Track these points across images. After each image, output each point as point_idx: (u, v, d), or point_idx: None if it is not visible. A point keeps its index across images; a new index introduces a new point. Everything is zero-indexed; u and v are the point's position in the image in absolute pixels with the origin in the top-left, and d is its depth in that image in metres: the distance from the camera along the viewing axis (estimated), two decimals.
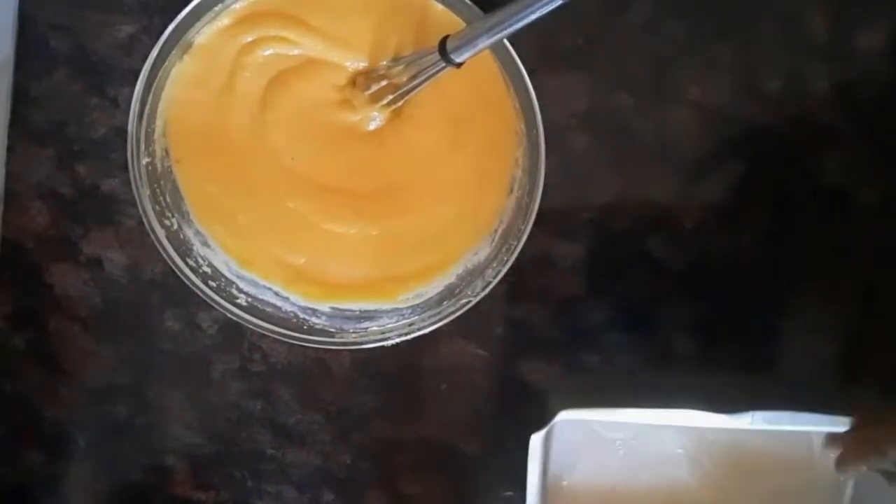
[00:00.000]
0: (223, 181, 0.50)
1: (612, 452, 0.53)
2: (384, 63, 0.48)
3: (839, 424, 0.46)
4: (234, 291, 0.50)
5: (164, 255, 0.49)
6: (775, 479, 0.53)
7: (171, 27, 0.45)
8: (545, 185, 0.46)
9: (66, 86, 0.51)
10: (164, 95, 0.48)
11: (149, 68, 0.46)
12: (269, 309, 0.51)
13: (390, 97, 0.47)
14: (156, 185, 0.49)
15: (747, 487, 0.53)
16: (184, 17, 0.45)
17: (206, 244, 0.50)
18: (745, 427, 0.47)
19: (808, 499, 0.52)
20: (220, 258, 0.51)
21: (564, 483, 0.53)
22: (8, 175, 0.52)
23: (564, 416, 0.47)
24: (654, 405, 0.48)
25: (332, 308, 0.51)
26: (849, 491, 0.52)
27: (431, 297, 0.51)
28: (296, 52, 0.48)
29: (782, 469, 0.52)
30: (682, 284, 0.53)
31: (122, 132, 0.48)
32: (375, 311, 0.51)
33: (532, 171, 0.47)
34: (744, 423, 0.47)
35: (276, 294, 0.51)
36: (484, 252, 0.50)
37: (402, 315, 0.51)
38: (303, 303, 0.51)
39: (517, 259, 0.48)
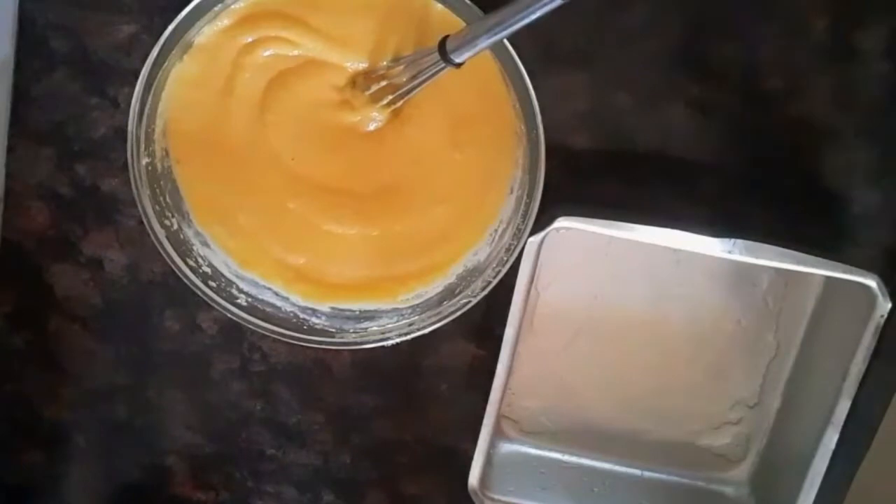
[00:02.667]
0: (223, 181, 0.50)
1: (602, 264, 0.52)
2: (384, 63, 0.48)
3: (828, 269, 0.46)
4: (234, 291, 0.51)
5: (164, 255, 0.49)
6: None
7: (171, 27, 0.45)
8: (545, 185, 0.46)
9: (66, 86, 0.51)
10: (164, 95, 0.48)
11: (149, 68, 0.46)
12: (269, 309, 0.51)
13: (390, 97, 0.47)
14: (156, 185, 0.49)
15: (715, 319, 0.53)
16: (184, 17, 0.45)
17: (206, 244, 0.50)
18: (724, 254, 0.46)
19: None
20: (220, 258, 0.51)
21: (550, 291, 0.53)
22: (8, 175, 0.52)
23: (562, 224, 0.46)
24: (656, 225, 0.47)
25: (332, 308, 0.51)
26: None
27: (431, 297, 0.51)
28: (296, 52, 0.48)
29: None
30: None
31: (122, 132, 0.48)
32: (375, 311, 0.51)
33: (532, 171, 0.47)
34: (723, 248, 0.46)
35: (276, 294, 0.51)
36: (484, 252, 0.50)
37: (402, 315, 0.51)
38: (303, 303, 0.51)
39: (517, 259, 0.48)
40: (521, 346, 0.51)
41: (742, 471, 0.55)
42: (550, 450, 0.55)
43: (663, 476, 0.56)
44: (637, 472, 0.56)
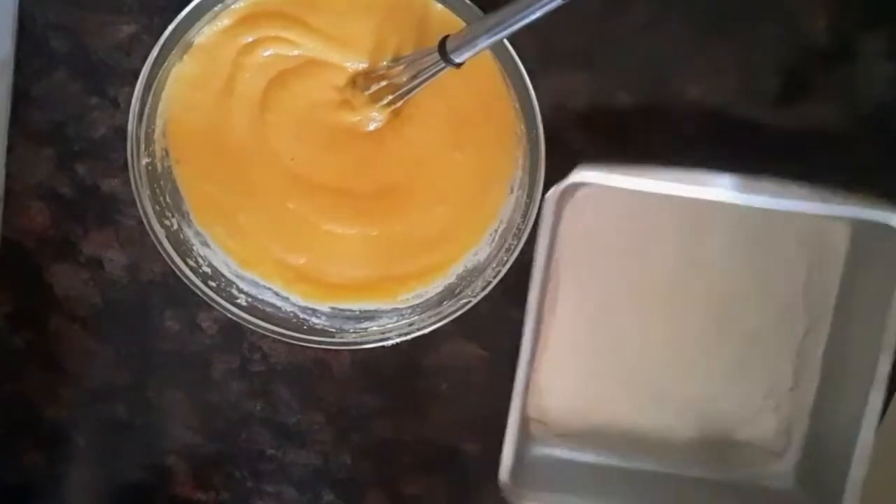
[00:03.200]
0: (223, 181, 0.50)
1: (622, 234, 0.50)
2: (384, 63, 0.48)
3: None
4: (234, 291, 0.51)
5: (164, 255, 0.49)
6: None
7: (171, 27, 0.45)
8: (545, 185, 0.46)
9: (66, 86, 0.51)
10: (164, 96, 0.48)
11: (149, 68, 0.46)
12: (269, 309, 0.51)
13: (390, 97, 0.47)
14: (156, 185, 0.49)
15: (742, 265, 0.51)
16: (184, 17, 0.45)
17: (206, 244, 0.50)
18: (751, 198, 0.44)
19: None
20: (220, 258, 0.51)
21: (573, 245, 0.50)
22: (8, 175, 0.52)
23: (580, 177, 0.45)
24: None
25: (332, 308, 0.51)
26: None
27: (431, 297, 0.51)
28: (296, 52, 0.48)
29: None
30: None
31: (122, 132, 0.48)
32: (375, 311, 0.51)
33: (532, 171, 0.47)
34: (750, 189, 0.44)
35: (276, 294, 0.51)
36: (484, 252, 0.50)
37: (402, 315, 0.51)
38: (303, 303, 0.51)
39: (517, 259, 0.48)
40: (543, 330, 0.49)
41: (786, 461, 0.52)
42: (580, 451, 0.53)
43: (701, 474, 0.53)
44: (676, 472, 0.53)
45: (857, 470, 0.47)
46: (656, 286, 0.51)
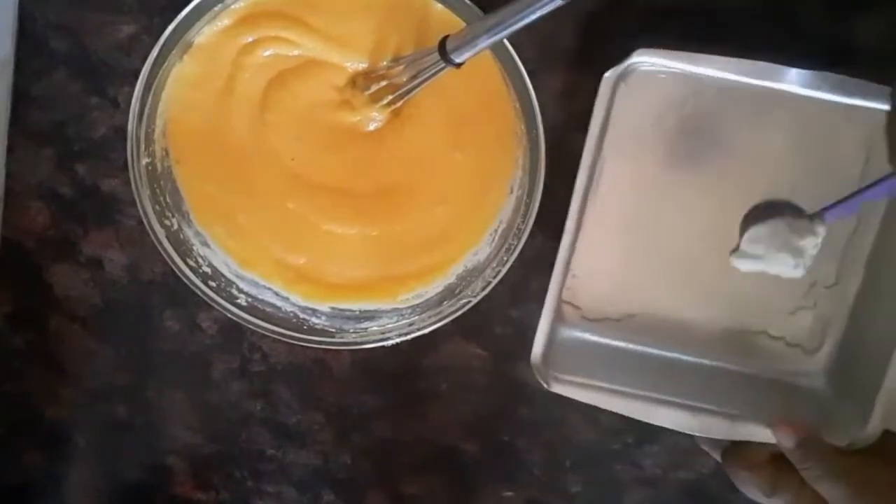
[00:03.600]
0: (223, 181, 0.50)
1: (680, 102, 0.48)
2: (384, 63, 0.48)
3: None
4: (234, 291, 0.51)
5: (164, 255, 0.49)
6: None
7: (171, 27, 0.45)
8: (545, 184, 0.46)
9: (66, 86, 0.51)
10: (164, 96, 0.48)
11: (149, 68, 0.46)
12: (269, 309, 0.51)
13: (390, 97, 0.47)
14: (156, 185, 0.49)
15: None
16: (184, 17, 0.45)
17: (206, 244, 0.50)
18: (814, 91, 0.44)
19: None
20: (220, 258, 0.51)
21: (617, 137, 0.48)
22: (8, 175, 0.52)
23: (640, 58, 0.44)
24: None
25: (332, 308, 0.51)
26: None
27: (431, 297, 0.51)
28: (296, 52, 0.48)
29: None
30: None
31: (122, 132, 0.48)
32: (375, 311, 0.51)
33: (532, 171, 0.47)
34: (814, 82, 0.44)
35: (276, 294, 0.51)
36: (484, 252, 0.50)
37: (402, 315, 0.51)
38: (303, 303, 0.51)
39: (517, 259, 0.48)
40: (585, 221, 0.48)
41: (818, 360, 0.52)
42: (615, 338, 0.52)
43: (730, 366, 0.52)
44: (706, 362, 0.52)
45: (893, 373, 0.46)
46: (705, 175, 0.49)
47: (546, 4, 0.38)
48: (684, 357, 0.52)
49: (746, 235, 0.49)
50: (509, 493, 0.57)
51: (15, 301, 0.55)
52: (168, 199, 0.49)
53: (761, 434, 0.47)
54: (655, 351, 0.52)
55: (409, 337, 0.50)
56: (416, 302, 0.51)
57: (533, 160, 0.47)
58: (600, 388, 0.49)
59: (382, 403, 0.56)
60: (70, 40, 0.51)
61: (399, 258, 0.51)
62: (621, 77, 0.45)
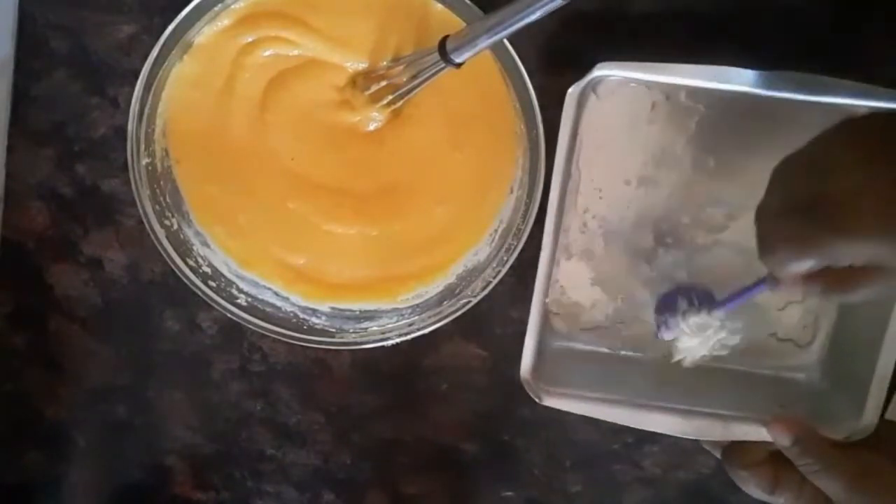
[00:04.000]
0: (223, 181, 0.50)
1: (645, 115, 0.49)
2: (384, 63, 0.48)
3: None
4: (234, 291, 0.51)
5: (164, 255, 0.49)
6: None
7: (171, 27, 0.45)
8: (545, 185, 0.46)
9: (66, 86, 0.51)
10: (164, 96, 0.48)
11: (149, 68, 0.46)
12: (269, 309, 0.51)
13: (390, 97, 0.47)
14: (156, 185, 0.49)
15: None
16: (184, 17, 0.45)
17: (206, 244, 0.50)
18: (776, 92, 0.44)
19: None
20: (220, 258, 0.51)
21: (593, 147, 0.49)
22: (8, 175, 0.52)
23: (602, 72, 0.44)
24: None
25: (332, 308, 0.51)
26: None
27: (431, 297, 0.51)
28: (296, 52, 0.48)
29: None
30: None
31: (122, 132, 0.48)
32: (375, 311, 0.51)
33: (532, 171, 0.47)
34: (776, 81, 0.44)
35: (276, 294, 0.51)
36: (484, 252, 0.50)
37: (402, 315, 0.51)
38: (303, 303, 0.51)
39: (517, 259, 0.48)
40: (566, 231, 0.48)
41: (811, 353, 0.52)
42: (602, 344, 0.52)
43: (727, 366, 0.51)
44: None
45: (885, 362, 0.46)
46: (674, 179, 0.50)
47: (546, 4, 0.38)
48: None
49: (658, 321, 0.50)
50: (509, 493, 0.57)
51: (15, 301, 0.55)
52: (168, 199, 0.49)
53: (757, 433, 0.47)
54: (646, 355, 0.52)
55: (409, 337, 0.50)
56: (416, 302, 0.51)
57: (533, 160, 0.47)
58: (592, 399, 0.49)
59: (382, 403, 0.56)
60: (70, 40, 0.51)
61: (399, 258, 0.51)
62: (589, 89, 0.45)
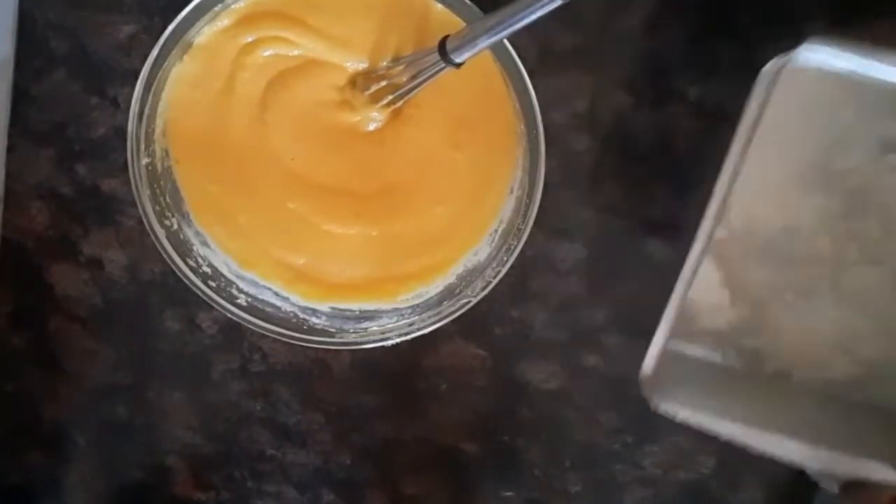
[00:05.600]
0: (223, 181, 0.50)
1: (827, 102, 0.41)
2: (384, 63, 0.48)
3: None
4: (234, 291, 0.51)
5: (164, 255, 0.49)
6: None
7: (171, 27, 0.45)
8: (545, 184, 0.46)
9: (66, 86, 0.51)
10: (163, 96, 0.48)
11: (149, 68, 0.46)
12: (269, 309, 0.51)
13: (390, 97, 0.47)
14: (156, 185, 0.49)
15: None
16: (184, 17, 0.45)
17: (205, 244, 0.50)
18: None
19: None
20: (220, 258, 0.51)
21: (778, 134, 0.41)
22: (8, 175, 0.52)
23: (810, 53, 0.35)
24: None
25: (332, 308, 0.51)
26: None
27: (431, 297, 0.51)
28: (296, 52, 0.48)
29: None
30: None
31: (122, 132, 0.48)
32: (375, 311, 0.51)
33: (532, 171, 0.47)
34: None
35: (276, 294, 0.51)
36: (484, 252, 0.50)
37: (402, 315, 0.51)
38: (303, 303, 0.51)
39: (517, 259, 0.48)
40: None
41: None
42: (717, 353, 0.47)
43: (872, 402, 0.45)
44: (827, 391, 0.46)
45: None
46: (844, 189, 0.44)
47: (546, 4, 0.38)
48: (805, 380, 0.46)
49: None
50: (509, 493, 0.57)
51: (15, 301, 0.55)
52: (168, 199, 0.49)
53: (885, 472, 0.42)
54: (771, 370, 0.47)
55: (409, 337, 0.50)
56: (416, 302, 0.51)
57: (533, 160, 0.47)
58: (711, 411, 0.43)
59: (382, 403, 0.56)
60: (70, 40, 0.51)
61: (399, 258, 0.51)
62: (783, 68, 0.37)
